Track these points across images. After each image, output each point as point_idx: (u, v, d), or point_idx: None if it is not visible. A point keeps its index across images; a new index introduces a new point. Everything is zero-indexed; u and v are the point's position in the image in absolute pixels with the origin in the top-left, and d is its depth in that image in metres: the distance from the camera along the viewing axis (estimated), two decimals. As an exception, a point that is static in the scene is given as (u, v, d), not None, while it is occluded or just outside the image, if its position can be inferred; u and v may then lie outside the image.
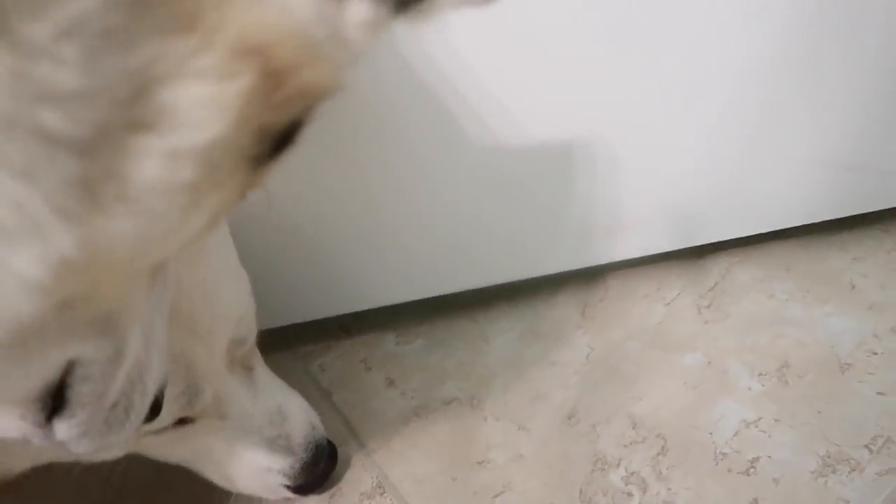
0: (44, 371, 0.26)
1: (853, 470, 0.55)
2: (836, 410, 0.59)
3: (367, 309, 0.81)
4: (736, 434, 0.60)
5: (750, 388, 0.63)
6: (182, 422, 0.48)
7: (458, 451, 0.66)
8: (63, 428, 0.29)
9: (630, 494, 0.59)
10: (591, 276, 0.77)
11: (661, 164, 0.66)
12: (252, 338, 0.52)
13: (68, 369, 0.27)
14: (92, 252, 0.20)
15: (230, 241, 0.52)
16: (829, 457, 0.56)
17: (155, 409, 0.37)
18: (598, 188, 0.68)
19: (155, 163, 0.20)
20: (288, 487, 0.56)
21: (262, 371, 0.56)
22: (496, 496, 0.62)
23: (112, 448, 0.37)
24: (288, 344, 0.82)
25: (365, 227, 0.71)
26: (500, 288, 0.78)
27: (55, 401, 0.28)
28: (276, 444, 0.53)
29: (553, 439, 0.65)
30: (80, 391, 0.28)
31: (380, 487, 0.66)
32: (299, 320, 0.79)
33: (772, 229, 0.71)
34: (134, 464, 0.47)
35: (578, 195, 0.69)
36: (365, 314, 0.82)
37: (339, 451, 0.67)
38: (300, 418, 0.56)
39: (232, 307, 0.48)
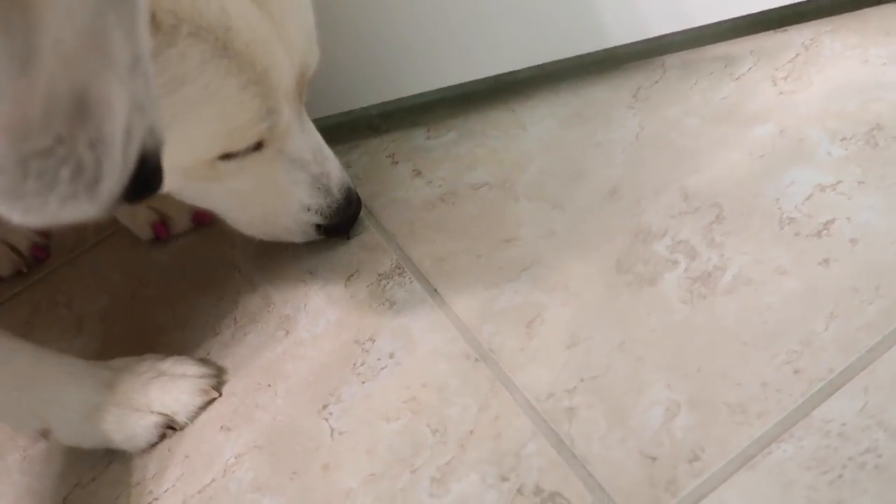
0: None
1: (955, 222, 0.45)
2: (938, 170, 0.49)
3: (398, 107, 0.74)
4: (808, 198, 0.51)
5: (830, 154, 0.53)
6: (254, 148, 0.48)
7: (485, 231, 0.60)
8: None
9: (675, 262, 0.52)
10: (645, 58, 0.67)
11: None
12: (315, 64, 0.51)
13: None
14: None
15: None
16: (924, 211, 0.47)
17: (149, 183, 0.25)
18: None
19: None
20: (318, 228, 0.58)
21: (304, 110, 0.55)
22: (524, 270, 0.56)
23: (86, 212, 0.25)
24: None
25: (388, 10, 0.64)
26: (540, 75, 0.69)
27: None
28: (319, 182, 0.55)
29: (591, 215, 0.57)
30: None
31: (399, 268, 0.61)
32: (325, 114, 0.74)
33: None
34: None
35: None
36: (394, 113, 0.75)
37: (359, 239, 0.64)
38: (334, 161, 0.57)
39: (308, 19, 0.48)
